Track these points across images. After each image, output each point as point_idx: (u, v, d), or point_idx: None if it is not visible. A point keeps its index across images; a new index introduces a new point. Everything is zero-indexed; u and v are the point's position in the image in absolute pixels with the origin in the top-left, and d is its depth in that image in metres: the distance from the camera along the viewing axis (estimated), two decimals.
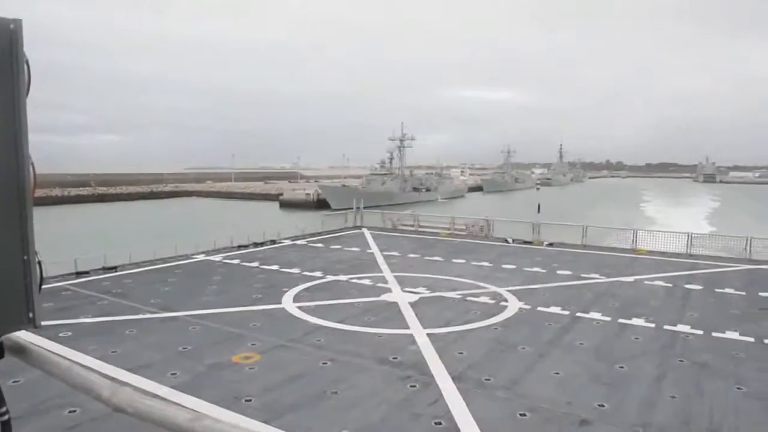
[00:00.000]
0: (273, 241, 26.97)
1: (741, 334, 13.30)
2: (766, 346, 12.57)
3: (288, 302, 15.83)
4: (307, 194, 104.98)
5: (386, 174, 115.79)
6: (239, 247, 25.23)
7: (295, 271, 20.36)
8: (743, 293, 17.66)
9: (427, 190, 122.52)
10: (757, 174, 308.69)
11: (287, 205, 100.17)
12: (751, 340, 12.95)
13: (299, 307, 15.24)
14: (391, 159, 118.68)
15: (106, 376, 2.55)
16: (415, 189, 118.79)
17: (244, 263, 21.76)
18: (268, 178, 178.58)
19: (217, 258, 22.64)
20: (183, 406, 2.14)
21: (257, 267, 21.06)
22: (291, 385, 9.98)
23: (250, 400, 9.25)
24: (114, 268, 19.72)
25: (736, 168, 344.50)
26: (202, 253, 23.44)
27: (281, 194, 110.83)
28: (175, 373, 10.37)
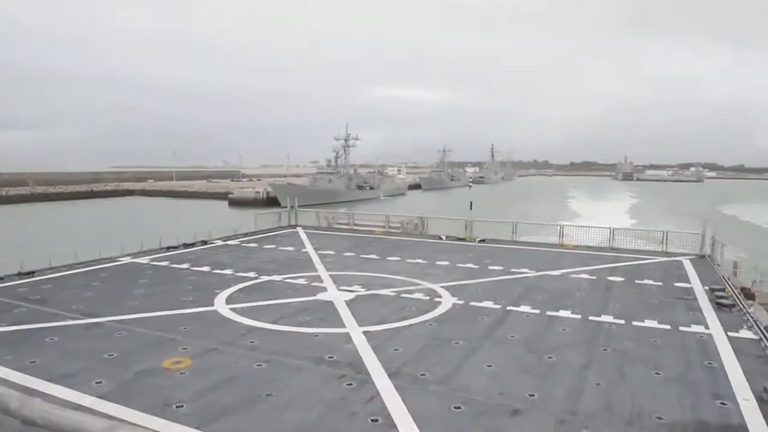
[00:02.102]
0: (204, 242, 26.21)
1: (659, 323, 14.10)
2: (681, 332, 13.38)
3: (220, 304, 15.43)
4: (257, 192, 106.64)
5: (332, 173, 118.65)
6: (168, 248, 24.36)
7: (228, 272, 19.87)
8: (660, 284, 18.72)
9: (371, 188, 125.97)
10: (670, 172, 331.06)
11: (237, 203, 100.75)
12: (668, 327, 13.75)
13: (232, 309, 14.88)
14: (337, 158, 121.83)
15: (15, 387, 2.38)
16: (360, 187, 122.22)
17: (174, 265, 21.03)
18: (209, 177, 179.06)
19: (145, 260, 21.77)
20: (102, 416, 2.02)
21: (187, 269, 20.41)
22: (224, 388, 9.72)
23: (182, 406, 8.94)
24: (31, 273, 18.57)
25: (652, 166, 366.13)
26: (128, 255, 22.47)
27: (230, 193, 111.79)
28: (100, 382, 9.88)
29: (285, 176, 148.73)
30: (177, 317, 14.11)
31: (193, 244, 25.47)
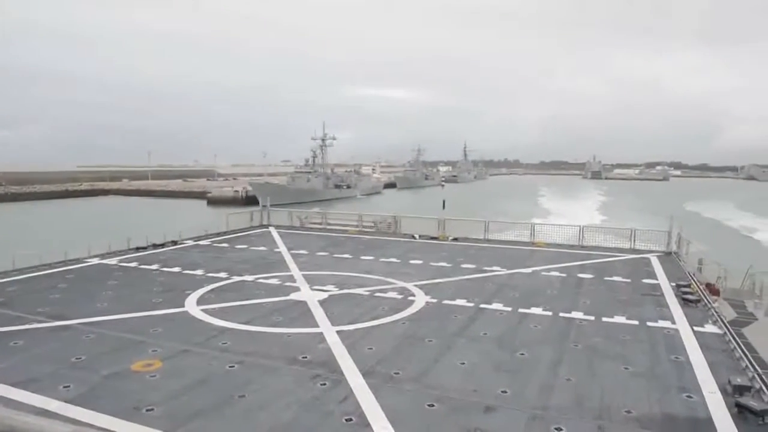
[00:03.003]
0: (174, 242, 25.80)
1: (627, 319, 14.40)
2: (649, 328, 13.69)
3: (191, 305, 15.21)
4: (236, 191, 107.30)
5: (310, 172, 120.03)
6: (137, 249, 23.92)
7: (199, 272, 19.60)
8: (629, 280, 19.11)
9: (348, 186, 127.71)
10: (637, 171, 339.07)
11: (215, 202, 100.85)
12: (636, 323, 14.05)
13: (203, 310, 14.69)
14: (314, 157, 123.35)
15: None
16: (337, 186, 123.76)
17: (143, 266, 20.66)
18: (183, 176, 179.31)
19: (113, 261, 21.33)
20: (69, 421, 1.97)
21: (157, 270, 20.07)
22: (196, 391, 9.59)
23: (152, 410, 8.80)
24: None
25: (619, 165, 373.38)
26: (96, 256, 21.99)
27: (208, 192, 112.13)
28: (68, 386, 9.66)
29: (261, 175, 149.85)
30: (147, 319, 13.87)
31: (162, 245, 25.06)
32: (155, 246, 24.71)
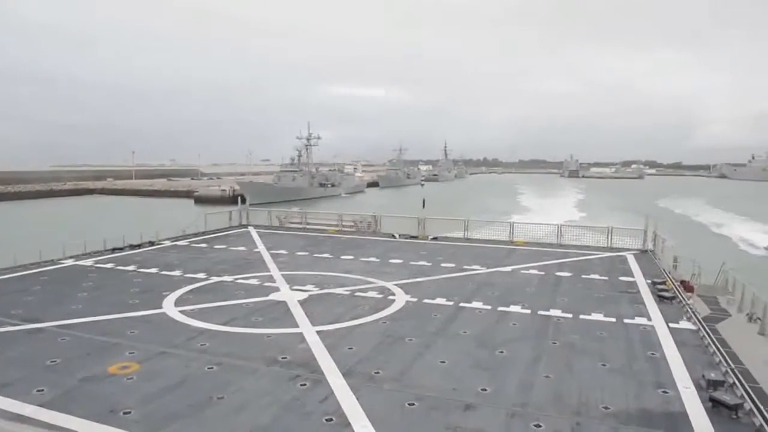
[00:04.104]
0: (151, 243, 25.47)
1: (604, 316, 14.59)
2: (626, 325, 13.89)
3: (169, 306, 15.04)
4: (223, 190, 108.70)
5: (296, 171, 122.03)
6: (113, 249, 23.56)
7: (177, 273, 19.38)
8: (606, 278, 19.37)
9: (333, 185, 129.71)
10: (613, 169, 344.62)
11: (203, 201, 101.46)
12: (613, 320, 14.25)
13: (181, 311, 14.53)
14: (300, 156, 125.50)
15: None
16: (322, 185, 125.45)
17: (120, 267, 20.36)
18: (166, 175, 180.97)
19: (89, 262, 20.98)
20: (43, 425, 1.93)
21: (134, 270, 19.79)
22: (174, 393, 9.48)
23: (129, 413, 8.68)
24: None
25: (596, 164, 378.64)
26: (72, 257, 21.61)
27: (195, 191, 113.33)
28: (42, 390, 9.47)
29: (245, 174, 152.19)
30: (123, 321, 13.67)
31: (139, 245, 24.72)
32: (132, 246, 24.36)
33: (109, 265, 20.62)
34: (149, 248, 24.58)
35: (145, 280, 18.27)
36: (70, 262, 21.02)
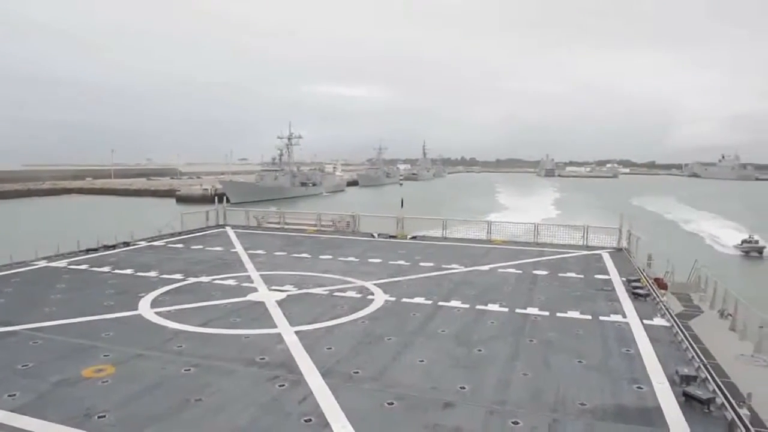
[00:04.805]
0: (126, 243, 25.09)
1: (581, 313, 14.79)
2: (601, 322, 14.10)
3: (145, 308, 14.83)
4: (205, 189, 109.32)
5: (277, 170, 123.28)
6: (87, 250, 23.15)
7: (153, 274, 19.12)
8: (582, 276, 19.64)
9: (314, 184, 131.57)
10: (588, 169, 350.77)
11: (185, 200, 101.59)
12: (589, 317, 14.45)
13: (158, 313, 14.34)
14: (281, 155, 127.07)
15: None
16: (303, 184, 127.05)
17: (94, 268, 20.02)
18: (145, 175, 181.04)
19: (62, 264, 20.59)
20: (14, 430, 1.89)
21: (109, 272, 19.47)
22: (150, 396, 9.36)
23: (104, 416, 8.54)
24: None
25: (572, 163, 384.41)
26: (44, 259, 21.18)
27: (177, 190, 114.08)
28: (14, 395, 9.27)
29: (224, 173, 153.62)
30: (98, 323, 13.44)
31: (114, 246, 24.34)
32: (106, 247, 23.97)
33: (83, 267, 20.26)
34: (124, 249, 24.21)
35: (121, 282, 18.00)
36: (42, 263, 20.61)
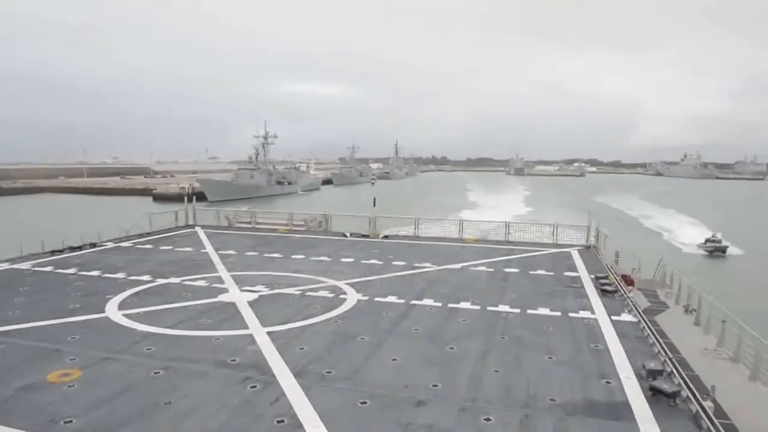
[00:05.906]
0: (93, 245, 24.51)
1: (551, 310, 15.02)
2: (571, 318, 14.34)
3: (112, 310, 14.52)
4: (182, 188, 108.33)
5: (254, 169, 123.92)
6: (53, 252, 22.55)
7: (120, 275, 18.74)
8: (551, 274, 19.93)
9: (289, 183, 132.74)
10: (556, 167, 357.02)
11: (161, 198, 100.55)
12: (559, 314, 14.68)
13: (125, 315, 14.06)
14: (257, 154, 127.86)
15: None
16: (279, 182, 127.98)
17: (59, 270, 19.52)
18: (119, 174, 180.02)
19: (25, 266, 20.02)
20: None
21: (75, 274, 19.01)
22: (118, 400, 9.17)
23: (71, 422, 8.34)
24: None
25: (541, 162, 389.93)
26: (6, 261, 20.56)
27: (153, 189, 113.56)
28: None
29: (195, 172, 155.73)
30: (63, 326, 13.11)
31: (80, 248, 23.76)
32: (72, 249, 23.38)
33: (47, 269, 19.74)
34: (90, 250, 23.66)
35: (87, 284, 17.59)
36: (5, 265, 20.01)
